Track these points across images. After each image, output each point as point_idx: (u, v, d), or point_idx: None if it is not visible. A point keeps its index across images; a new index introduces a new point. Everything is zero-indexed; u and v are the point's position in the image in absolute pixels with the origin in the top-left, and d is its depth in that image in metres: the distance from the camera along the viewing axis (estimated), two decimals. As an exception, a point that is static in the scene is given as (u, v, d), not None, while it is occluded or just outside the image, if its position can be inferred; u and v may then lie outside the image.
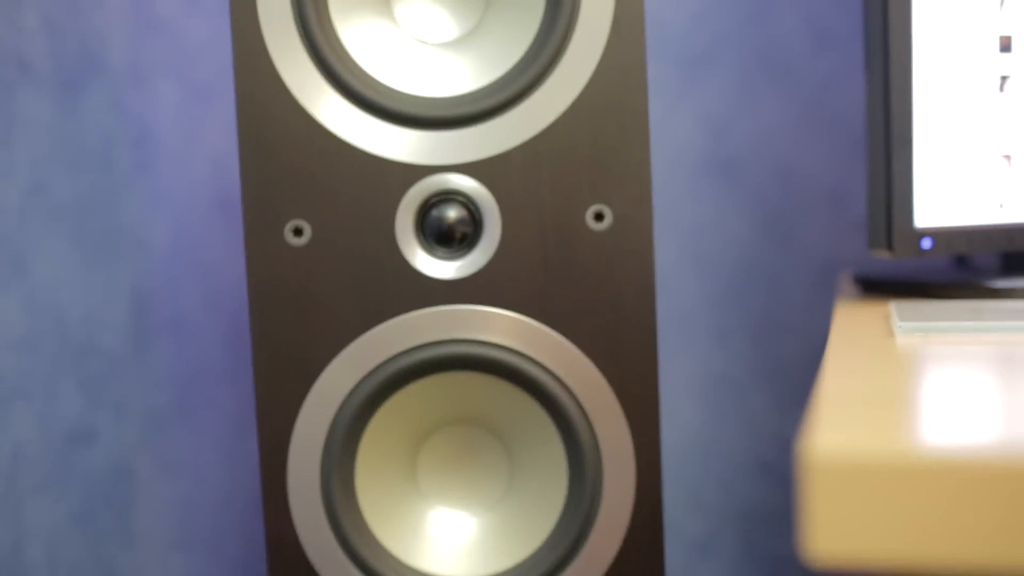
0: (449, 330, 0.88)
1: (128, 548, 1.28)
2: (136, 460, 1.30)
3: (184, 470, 1.34)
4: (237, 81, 0.87)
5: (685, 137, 1.28)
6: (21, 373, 1.13)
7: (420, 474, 0.93)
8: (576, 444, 0.88)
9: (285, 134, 0.87)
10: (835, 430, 0.42)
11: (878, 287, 0.96)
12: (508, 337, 0.88)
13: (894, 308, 0.77)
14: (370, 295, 0.88)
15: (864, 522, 0.39)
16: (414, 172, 0.87)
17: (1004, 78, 0.91)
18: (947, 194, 0.90)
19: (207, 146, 1.33)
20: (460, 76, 0.89)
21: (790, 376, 1.28)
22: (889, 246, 0.88)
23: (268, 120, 0.87)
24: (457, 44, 0.90)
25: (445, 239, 0.88)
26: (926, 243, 0.89)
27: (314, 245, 0.88)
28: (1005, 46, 0.91)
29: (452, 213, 0.88)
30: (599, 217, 0.88)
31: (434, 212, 0.88)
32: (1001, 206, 0.92)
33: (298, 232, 0.88)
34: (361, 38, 0.89)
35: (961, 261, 1.04)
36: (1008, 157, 0.92)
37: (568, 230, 0.88)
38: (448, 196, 0.88)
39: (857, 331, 0.71)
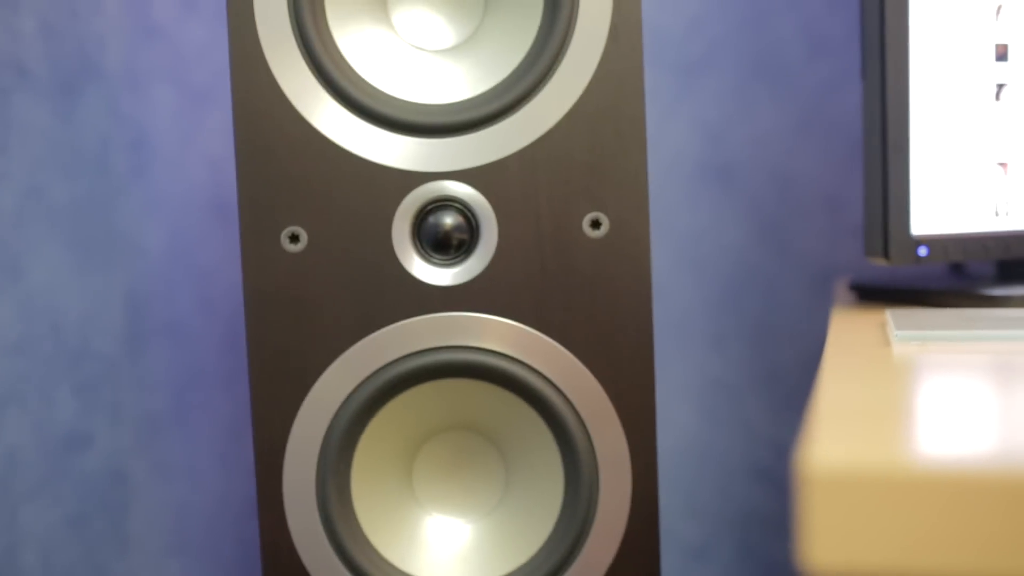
0: (445, 337, 0.88)
1: (123, 553, 1.28)
2: (131, 464, 1.29)
3: (179, 475, 1.34)
4: (234, 87, 0.87)
5: (682, 143, 1.28)
6: (16, 377, 1.13)
7: (416, 480, 0.93)
8: (572, 450, 0.88)
9: (281, 140, 0.87)
10: (832, 442, 0.42)
11: (874, 294, 0.96)
12: (504, 344, 0.88)
13: (890, 316, 0.77)
14: (366, 301, 0.88)
15: (862, 534, 0.39)
16: (411, 179, 0.87)
17: (1000, 86, 0.92)
18: (943, 202, 0.90)
19: (204, 151, 1.33)
20: (457, 83, 0.89)
21: (786, 381, 1.28)
22: (885, 254, 0.88)
23: (264, 126, 0.87)
24: (454, 51, 0.90)
25: (442, 246, 0.88)
26: (922, 251, 0.89)
27: (310, 251, 0.88)
28: (1001, 55, 0.91)
29: (449, 220, 0.88)
30: (596, 224, 0.88)
31: (431, 219, 0.88)
32: (997, 214, 0.93)
33: (294, 239, 0.88)
34: (358, 44, 0.89)
35: (957, 269, 1.05)
36: (1004, 165, 0.92)
37: (565, 237, 0.88)
38: (445, 203, 0.88)
39: (853, 340, 0.71)
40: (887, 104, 0.87)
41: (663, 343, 1.29)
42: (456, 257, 0.89)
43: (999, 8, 0.91)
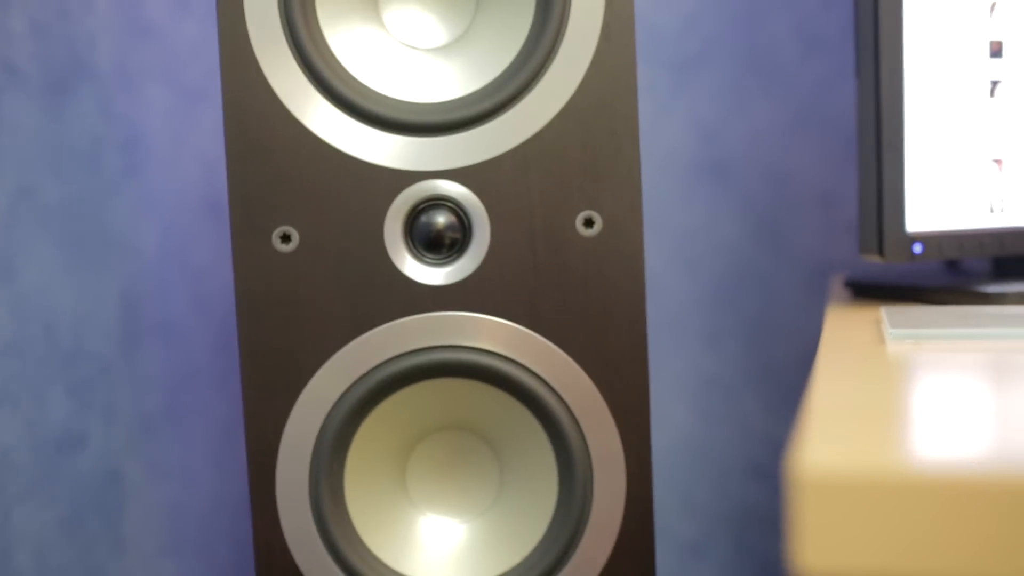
0: (438, 336, 0.88)
1: (117, 554, 1.28)
2: (125, 465, 1.29)
3: (173, 475, 1.33)
4: (224, 86, 0.86)
5: (676, 140, 1.27)
6: (9, 378, 1.12)
7: (409, 480, 0.93)
8: (566, 449, 0.88)
9: (273, 140, 0.87)
10: (825, 444, 0.42)
11: (869, 291, 0.96)
12: (497, 343, 0.88)
13: (885, 314, 0.77)
14: (359, 301, 0.88)
15: (854, 537, 0.39)
16: (403, 178, 0.87)
17: (995, 83, 0.91)
18: (938, 199, 0.90)
19: (196, 150, 1.32)
20: (449, 81, 0.88)
21: (781, 378, 1.28)
22: (880, 251, 0.88)
23: (256, 126, 0.87)
24: (446, 49, 0.90)
25: (434, 245, 0.88)
26: (917, 248, 0.89)
27: (302, 251, 0.88)
28: (996, 51, 0.91)
29: (441, 219, 0.88)
30: (589, 223, 0.87)
31: (423, 218, 0.88)
32: (992, 210, 0.92)
33: (286, 238, 0.87)
34: (349, 43, 0.88)
35: (952, 266, 1.04)
36: (999, 162, 0.92)
37: (558, 236, 0.87)
38: (437, 202, 0.88)
39: (848, 338, 0.71)
40: (881, 101, 0.87)
41: (658, 341, 1.29)
42: (448, 256, 0.89)
43: (993, 5, 0.91)
